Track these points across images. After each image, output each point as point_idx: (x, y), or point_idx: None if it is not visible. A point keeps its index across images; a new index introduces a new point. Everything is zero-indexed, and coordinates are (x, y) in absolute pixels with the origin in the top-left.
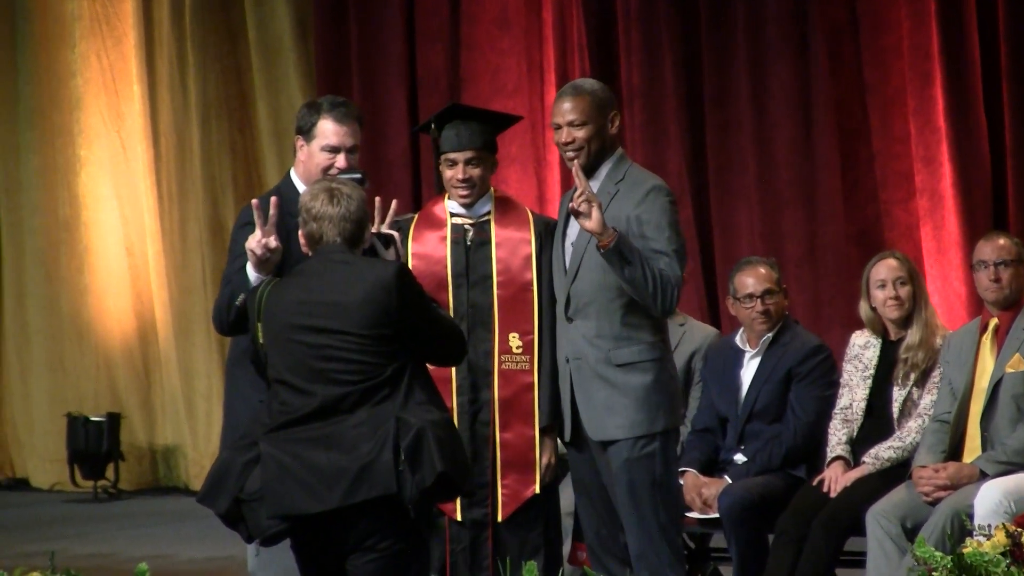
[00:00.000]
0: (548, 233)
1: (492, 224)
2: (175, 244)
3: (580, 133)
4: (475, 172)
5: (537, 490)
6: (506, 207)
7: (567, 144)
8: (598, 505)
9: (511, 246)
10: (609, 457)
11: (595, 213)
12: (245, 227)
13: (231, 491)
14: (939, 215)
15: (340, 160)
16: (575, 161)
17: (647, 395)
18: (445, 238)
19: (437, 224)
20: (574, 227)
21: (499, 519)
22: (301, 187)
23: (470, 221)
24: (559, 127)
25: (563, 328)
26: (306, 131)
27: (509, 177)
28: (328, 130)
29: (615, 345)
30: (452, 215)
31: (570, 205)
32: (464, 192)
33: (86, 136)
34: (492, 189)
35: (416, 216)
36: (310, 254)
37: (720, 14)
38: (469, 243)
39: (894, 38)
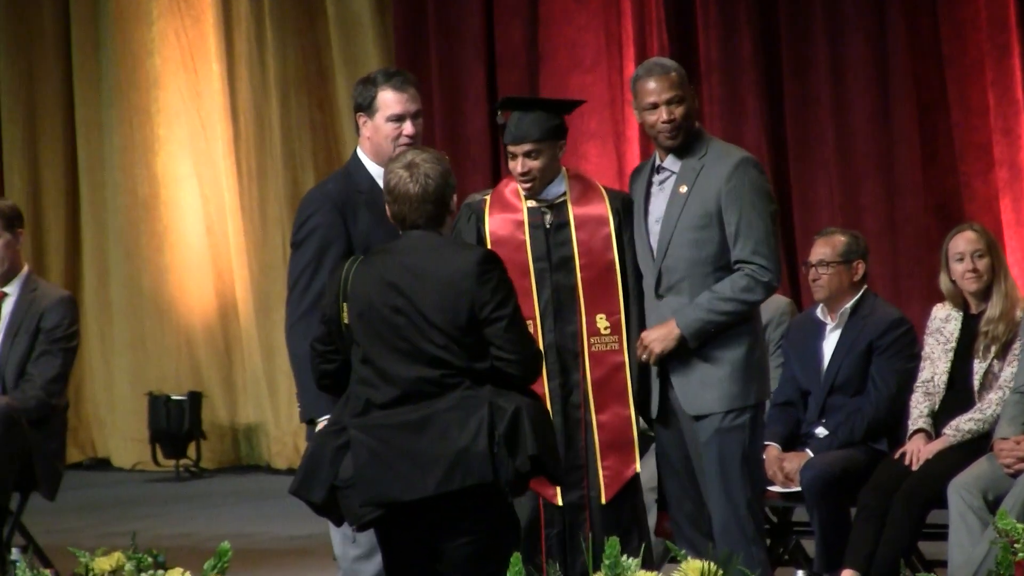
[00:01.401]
0: (626, 209)
1: (569, 205)
2: (255, 222)
3: (679, 110)
4: (534, 164)
5: (638, 468)
6: (582, 187)
7: (668, 122)
8: (684, 480)
9: (591, 227)
10: (699, 429)
11: (657, 352)
12: (312, 219)
13: (326, 479)
14: (1018, 187)
15: (408, 127)
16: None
17: (741, 368)
18: (522, 223)
19: (512, 208)
20: (656, 204)
21: (603, 500)
22: (371, 165)
23: (546, 203)
24: (655, 106)
25: (652, 305)
26: (366, 106)
27: (589, 152)
28: (390, 99)
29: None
30: (527, 198)
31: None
32: (526, 184)
33: (164, 115)
34: (564, 169)
35: (488, 198)
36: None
37: None
38: (548, 226)
39: (971, 10)
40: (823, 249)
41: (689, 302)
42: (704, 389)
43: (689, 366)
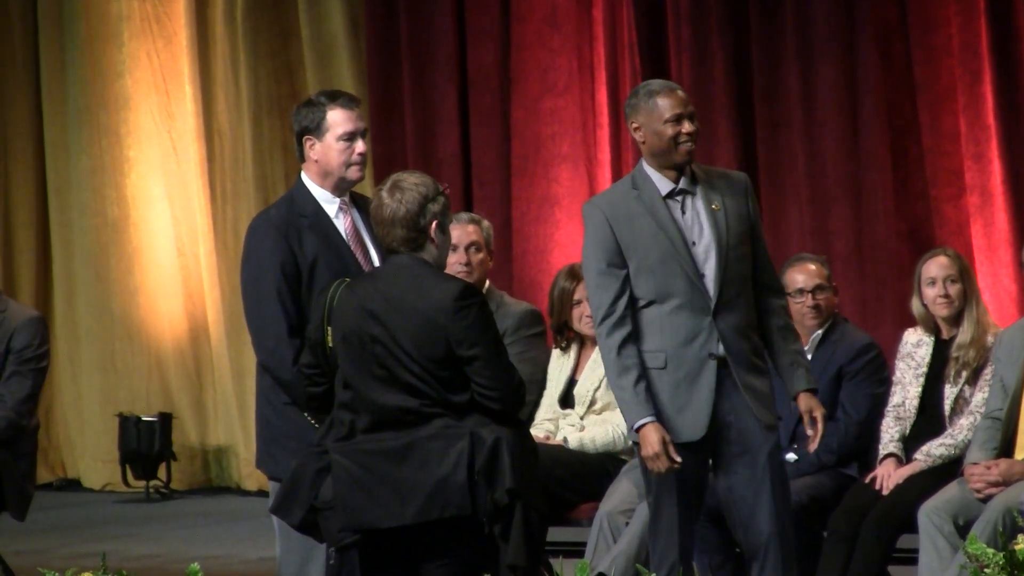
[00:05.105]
0: None
1: None
2: (227, 244)
3: (695, 127)
4: None
5: None
6: None
7: (690, 134)
8: (698, 501)
9: None
10: (767, 440)
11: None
12: (257, 245)
13: (304, 501)
14: (989, 212)
15: (359, 145)
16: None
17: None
18: None
19: None
20: (689, 225)
21: None
22: (315, 189)
23: None
24: (679, 119)
25: (695, 327)
26: (314, 128)
27: (561, 175)
28: (340, 118)
29: (756, 336)
30: None
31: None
32: None
33: (135, 136)
34: None
35: None
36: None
37: (770, 11)
38: None
39: (944, 36)
40: (805, 275)
41: (746, 318)
42: (767, 400)
43: (751, 380)
